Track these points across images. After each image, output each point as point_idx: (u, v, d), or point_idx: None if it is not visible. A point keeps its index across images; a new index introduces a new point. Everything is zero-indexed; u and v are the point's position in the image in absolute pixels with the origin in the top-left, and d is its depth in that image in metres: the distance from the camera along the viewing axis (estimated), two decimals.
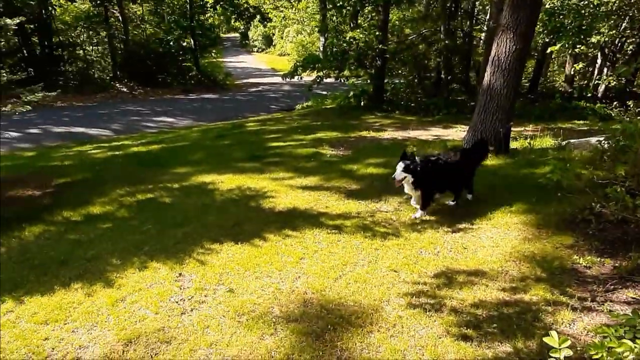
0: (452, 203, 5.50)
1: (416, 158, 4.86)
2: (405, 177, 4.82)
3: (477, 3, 15.64)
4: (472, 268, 3.95)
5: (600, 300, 3.41)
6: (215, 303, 3.55)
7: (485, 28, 14.37)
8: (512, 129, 7.75)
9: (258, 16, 26.83)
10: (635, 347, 1.79)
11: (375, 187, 6.30)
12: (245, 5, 26.09)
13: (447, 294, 3.54)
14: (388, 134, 10.32)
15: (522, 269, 3.91)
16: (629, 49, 13.61)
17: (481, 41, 15.70)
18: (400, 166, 4.80)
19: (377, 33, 13.49)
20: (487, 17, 13.88)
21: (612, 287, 3.57)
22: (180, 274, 4.01)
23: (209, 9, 23.96)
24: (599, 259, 3.98)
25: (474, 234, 4.66)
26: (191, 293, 3.70)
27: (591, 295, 3.47)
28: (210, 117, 14.76)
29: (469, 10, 15.00)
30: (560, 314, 3.25)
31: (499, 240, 4.47)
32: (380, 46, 13.26)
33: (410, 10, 15.63)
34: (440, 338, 3.02)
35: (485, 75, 7.33)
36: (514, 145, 8.05)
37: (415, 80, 14.88)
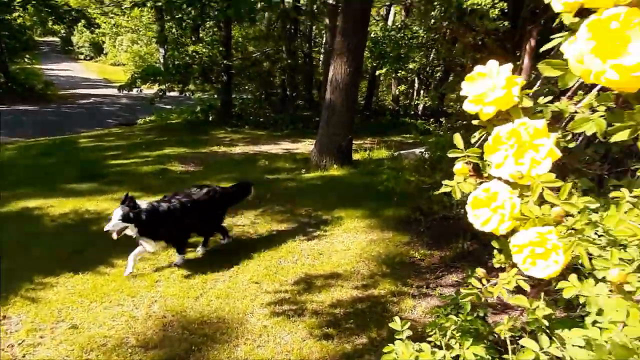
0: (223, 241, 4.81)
1: (138, 203, 3.88)
2: (125, 227, 3.76)
3: (314, 28, 16.92)
4: (329, 271, 4.23)
5: (433, 286, 4.02)
6: (55, 343, 3.04)
7: (322, 50, 15.66)
8: (354, 142, 8.60)
9: (83, 20, 23.83)
10: (458, 320, 2.17)
11: None
12: (66, 7, 22.88)
13: (307, 299, 3.73)
14: (239, 149, 10.32)
15: (371, 268, 4.35)
16: (437, 75, 16.47)
17: (320, 62, 17.02)
18: (117, 214, 3.71)
19: (220, 48, 13.43)
20: (324, 40, 15.16)
21: (441, 274, 4.24)
22: (4, 317, 3.30)
23: (16, 7, 20.31)
24: (429, 252, 4.69)
25: (327, 240, 4.99)
26: (21, 336, 3.09)
27: (426, 283, 4.07)
28: (28, 132, 12.46)
29: (307, 34, 16.15)
30: (403, 302, 3.72)
31: (349, 244, 4.88)
32: (225, 62, 13.23)
33: (253, 28, 16.03)
34: (304, 341, 3.16)
35: (326, 94, 8.00)
36: (355, 156, 8.92)
37: (262, 96, 15.27)
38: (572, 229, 0.58)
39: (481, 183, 0.70)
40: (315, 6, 14.65)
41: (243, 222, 5.49)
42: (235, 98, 15.07)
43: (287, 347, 3.10)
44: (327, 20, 13.99)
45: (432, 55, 15.03)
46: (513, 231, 0.65)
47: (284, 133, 12.98)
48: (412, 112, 16.06)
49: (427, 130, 8.17)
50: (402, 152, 8.74)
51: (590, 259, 0.61)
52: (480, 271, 0.83)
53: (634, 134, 0.47)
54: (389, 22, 16.63)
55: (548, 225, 0.60)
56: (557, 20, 0.57)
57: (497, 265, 0.74)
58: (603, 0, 0.49)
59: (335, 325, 3.38)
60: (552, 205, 0.59)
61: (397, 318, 2.08)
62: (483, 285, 0.81)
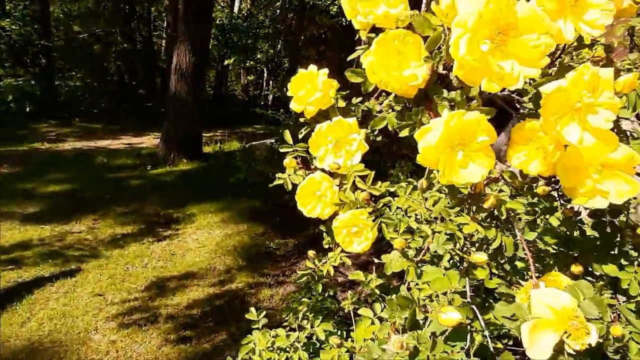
0: None
1: None
2: None
3: (152, 9, 15.64)
4: (183, 272, 4.06)
5: (289, 273, 4.20)
6: None
7: (165, 35, 14.61)
8: (204, 134, 8.31)
9: None
10: (310, 301, 2.34)
11: (61, 207, 5.42)
12: None
13: (161, 304, 3.52)
14: (69, 145, 9.01)
15: (227, 262, 4.32)
16: (285, 66, 16.95)
17: (163, 47, 15.86)
18: None
19: (35, 26, 11.38)
20: (165, 24, 14.16)
21: (295, 260, 4.46)
22: None
23: None
24: (284, 241, 4.87)
25: (180, 239, 4.77)
26: None
27: (282, 271, 4.23)
28: None
29: (145, 16, 14.84)
30: (261, 292, 3.81)
31: (204, 241, 4.75)
32: (43, 42, 11.28)
33: (77, 5, 13.99)
34: (160, 348, 2.99)
35: (171, 83, 7.53)
36: (206, 149, 8.64)
37: (95, 84, 13.51)
38: (376, 209, 0.70)
39: (310, 174, 0.78)
40: None
41: (79, 229, 4.85)
42: (60, 85, 13.00)
43: (140, 358, 2.89)
44: (166, 1, 13.08)
45: (279, 46, 15.37)
46: (335, 215, 0.75)
47: (125, 126, 11.77)
48: (262, 103, 16.24)
49: (278, 121, 8.38)
50: (253, 143, 8.81)
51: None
52: (311, 253, 0.92)
53: (412, 131, 0.59)
54: (235, 10, 16.41)
55: (361, 207, 0.71)
56: (357, 36, 0.68)
57: (326, 246, 0.84)
58: (388, 22, 0.60)
59: (193, 326, 3.28)
60: (362, 190, 0.70)
61: (252, 309, 2.14)
62: (315, 265, 0.90)
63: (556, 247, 0.73)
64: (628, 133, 0.76)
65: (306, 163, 0.83)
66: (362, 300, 1.80)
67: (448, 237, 0.62)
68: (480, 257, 0.59)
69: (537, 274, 0.68)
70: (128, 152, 8.53)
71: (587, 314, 0.49)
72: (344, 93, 0.77)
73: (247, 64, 14.16)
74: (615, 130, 0.71)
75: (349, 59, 0.67)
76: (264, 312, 1.92)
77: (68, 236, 4.63)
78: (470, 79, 0.49)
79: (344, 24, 8.37)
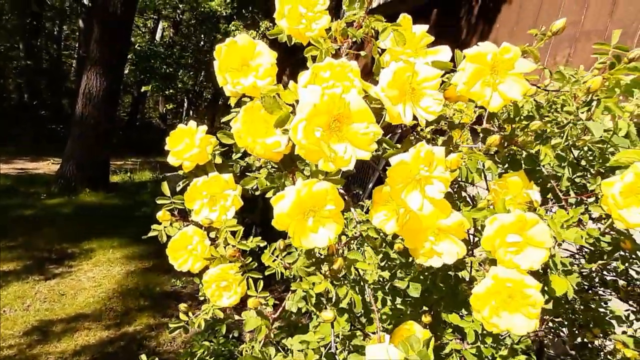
0: None
1: None
2: None
3: (64, 27, 14.69)
4: (72, 314, 3.67)
5: (195, 312, 4.00)
6: None
7: (76, 55, 13.72)
8: (113, 162, 7.78)
9: None
10: (211, 345, 2.25)
11: None
12: None
13: (42, 351, 3.14)
14: None
15: (127, 303, 3.99)
16: (207, 96, 16.73)
17: (73, 67, 14.84)
18: None
19: None
20: (77, 44, 13.35)
21: (203, 300, 4.27)
22: None
23: None
24: (191, 278, 4.64)
25: (73, 277, 4.33)
26: None
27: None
28: None
29: (56, 33, 13.87)
30: (163, 335, 3.56)
31: (101, 279, 4.36)
32: None
33: None
34: None
35: (77, 106, 7.02)
36: (114, 179, 8.09)
37: None
38: (245, 264, 0.72)
39: (183, 228, 0.79)
40: (67, 4, 12.79)
41: None
42: None
43: None
44: (81, 23, 12.39)
45: (201, 76, 15.20)
46: (207, 269, 0.76)
47: (21, 149, 10.63)
48: None
49: None
50: (167, 174, 8.44)
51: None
52: (182, 306, 0.92)
53: (275, 193, 0.64)
54: (157, 37, 16.01)
55: (231, 262, 0.73)
56: (230, 101, 0.72)
57: (202, 298, 0.84)
58: (255, 92, 0.65)
59: None
60: (234, 245, 0.72)
61: (143, 356, 2.00)
62: (189, 317, 0.89)
63: (411, 299, 0.81)
64: (475, 194, 0.88)
65: (184, 215, 0.83)
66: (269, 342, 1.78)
67: (304, 295, 0.66)
68: (326, 315, 0.64)
69: (391, 324, 0.74)
70: (22, 178, 7.67)
71: None
72: (221, 150, 0.80)
73: (167, 92, 13.74)
74: (456, 197, 0.82)
75: (222, 120, 0.71)
76: (163, 357, 1.79)
77: None
78: (309, 158, 0.55)
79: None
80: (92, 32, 7.04)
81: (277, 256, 0.74)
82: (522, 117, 0.78)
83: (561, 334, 1.75)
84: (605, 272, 1.58)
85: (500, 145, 0.74)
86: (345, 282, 0.68)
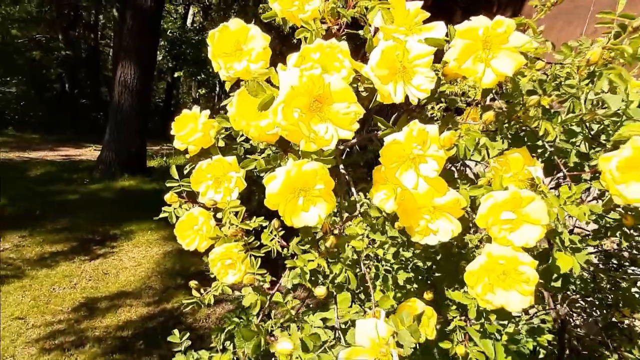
0: None
1: None
2: None
3: (101, 17, 15.14)
4: (115, 292, 3.90)
5: (208, 290, 4.17)
6: None
7: (112, 44, 14.15)
8: (149, 147, 8.08)
9: None
10: (241, 321, 2.35)
11: None
12: None
13: (89, 326, 3.37)
14: (0, 155, 8.43)
15: (165, 281, 4.20)
16: None
17: (110, 56, 15.33)
18: None
19: None
20: (113, 33, 13.74)
21: (213, 277, 4.43)
22: None
23: None
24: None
25: (115, 257, 4.59)
26: None
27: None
28: None
29: (92, 23, 14.33)
30: (198, 312, 3.73)
31: (141, 259, 4.60)
32: None
33: (17, 7, 13.26)
34: None
35: (114, 94, 7.29)
36: (151, 163, 8.40)
37: (33, 92, 12.76)
38: (248, 243, 0.75)
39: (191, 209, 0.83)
40: None
41: (3, 246, 4.53)
42: None
43: None
44: (115, 12, 12.72)
45: None
46: (212, 248, 0.80)
47: (65, 137, 11.20)
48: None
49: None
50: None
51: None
52: (192, 283, 0.96)
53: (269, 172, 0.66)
54: (188, 23, 16.21)
55: (236, 242, 0.77)
56: (225, 85, 0.74)
57: (212, 276, 0.88)
58: (249, 76, 0.66)
59: (123, 349, 3.15)
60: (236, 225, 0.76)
61: (175, 331, 2.12)
62: (201, 294, 0.94)
63: (414, 277, 0.82)
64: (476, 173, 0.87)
65: (192, 197, 0.87)
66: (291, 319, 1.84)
67: (299, 272, 0.68)
68: (319, 291, 0.66)
69: (396, 302, 0.76)
70: (65, 165, 8.11)
71: (401, 341, 0.57)
72: (226, 133, 0.83)
73: (199, 77, 13.98)
74: (457, 175, 0.81)
75: (221, 105, 0.73)
76: (188, 334, 1.91)
77: None
78: (292, 139, 0.56)
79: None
80: (125, 21, 7.23)
81: (274, 235, 0.76)
82: (523, 92, 0.76)
83: (593, 314, 1.71)
84: (636, 251, 1.52)
85: (499, 122, 0.72)
86: (342, 259, 0.70)
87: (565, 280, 0.82)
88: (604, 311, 1.59)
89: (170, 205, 0.88)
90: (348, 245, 0.70)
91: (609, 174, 0.59)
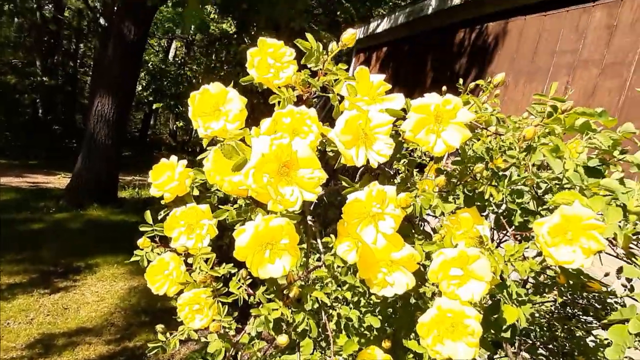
0: None
1: None
2: None
3: (81, 45, 15.17)
4: (74, 328, 3.73)
5: (174, 334, 4.04)
6: None
7: (92, 73, 14.10)
8: (122, 177, 7.94)
9: None
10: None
11: None
12: None
13: None
14: None
15: (128, 318, 4.05)
16: None
17: (88, 84, 15.25)
18: None
19: None
20: (93, 62, 13.73)
21: (180, 320, 4.31)
22: None
23: None
24: None
25: (77, 291, 4.41)
26: None
27: None
28: None
29: (72, 51, 14.33)
30: (162, 351, 3.60)
31: (104, 294, 4.43)
32: None
33: None
34: None
35: (90, 123, 7.22)
36: (122, 194, 8.24)
37: (2, 117, 12.46)
38: (216, 289, 0.79)
39: (162, 254, 0.86)
40: (85, 23, 13.22)
41: None
42: None
43: None
44: (97, 43, 12.77)
45: None
46: (181, 293, 0.82)
47: (34, 163, 10.88)
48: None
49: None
50: None
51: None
52: (158, 327, 0.97)
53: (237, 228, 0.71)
54: (170, 56, 16.42)
55: (205, 287, 0.80)
56: (203, 142, 0.80)
57: (179, 319, 0.90)
58: (224, 135, 0.73)
59: None
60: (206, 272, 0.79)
61: (151, 345, 2.06)
62: (166, 338, 0.95)
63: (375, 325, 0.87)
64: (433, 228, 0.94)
65: (165, 241, 0.90)
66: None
67: (264, 321, 0.72)
68: (281, 339, 0.69)
69: (358, 348, 0.80)
70: (32, 192, 7.85)
71: None
72: (201, 181, 0.87)
73: (177, 110, 14.03)
74: (414, 231, 0.88)
75: (199, 157, 0.78)
76: (176, 344, 1.84)
77: None
78: (260, 199, 0.62)
79: None
80: (107, 51, 7.28)
81: (242, 283, 0.80)
82: (472, 158, 0.85)
83: None
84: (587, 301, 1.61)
85: (452, 183, 0.80)
86: (306, 308, 0.74)
87: (514, 331, 0.88)
88: (560, 359, 1.65)
89: (142, 249, 0.91)
90: (310, 296, 0.74)
91: (541, 237, 0.67)
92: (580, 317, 1.70)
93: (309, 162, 0.62)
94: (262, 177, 0.59)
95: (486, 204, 0.86)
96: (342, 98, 0.79)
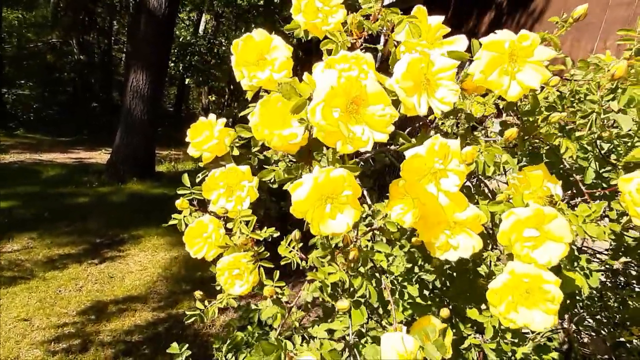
0: None
1: None
2: None
3: (115, 22, 15.37)
4: (121, 296, 3.90)
5: (213, 302, 4.15)
6: None
7: (125, 50, 14.33)
8: (158, 152, 8.13)
9: None
10: (245, 332, 2.33)
11: None
12: None
13: (94, 329, 3.37)
14: (12, 157, 8.53)
15: (171, 287, 4.20)
16: None
17: (122, 61, 15.54)
18: None
19: None
20: (126, 39, 13.91)
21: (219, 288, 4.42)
22: None
23: None
24: None
25: (121, 261, 4.60)
26: None
27: None
28: None
29: (106, 28, 14.55)
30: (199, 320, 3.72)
31: (147, 264, 4.60)
32: None
33: (33, 12, 13.52)
34: None
35: (125, 100, 7.37)
36: (160, 168, 8.45)
37: (45, 94, 12.94)
38: (258, 253, 0.75)
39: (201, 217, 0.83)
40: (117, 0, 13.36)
41: (12, 248, 4.57)
42: (7, 94, 12.37)
43: None
44: (130, 19, 12.91)
45: None
46: (220, 257, 0.79)
47: (76, 139, 11.31)
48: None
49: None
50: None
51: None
52: (197, 294, 0.95)
53: (291, 184, 0.65)
54: (200, 30, 16.38)
55: (245, 252, 0.76)
56: (247, 95, 0.74)
57: (218, 287, 0.87)
58: (272, 85, 0.66)
59: (128, 353, 3.14)
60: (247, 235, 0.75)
61: (174, 344, 2.10)
62: (205, 306, 0.93)
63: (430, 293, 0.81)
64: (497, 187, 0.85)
65: (203, 205, 0.87)
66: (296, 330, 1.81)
67: (320, 285, 0.67)
68: (342, 304, 0.65)
69: (410, 317, 0.74)
70: (76, 167, 8.19)
71: (428, 355, 0.56)
72: (241, 142, 0.82)
73: (209, 84, 14.09)
74: (474, 191, 0.80)
75: (240, 115, 0.73)
76: (186, 345, 1.89)
77: (1, 256, 4.36)
78: (328, 141, 0.56)
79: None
80: (139, 27, 7.33)
81: (293, 247, 0.76)
82: (542, 109, 0.75)
83: (602, 332, 1.67)
84: None
85: (519, 138, 0.71)
86: (363, 272, 0.69)
87: (573, 300, 0.80)
88: (611, 330, 1.55)
89: (180, 213, 0.88)
90: (369, 259, 0.69)
91: (628, 195, 0.58)
92: (635, 286, 1.59)
93: (379, 98, 0.55)
94: (331, 112, 0.53)
95: (557, 161, 0.76)
96: (398, 44, 0.70)
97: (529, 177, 0.77)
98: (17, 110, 12.35)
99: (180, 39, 13.70)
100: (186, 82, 14.11)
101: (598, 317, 1.61)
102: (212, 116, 0.81)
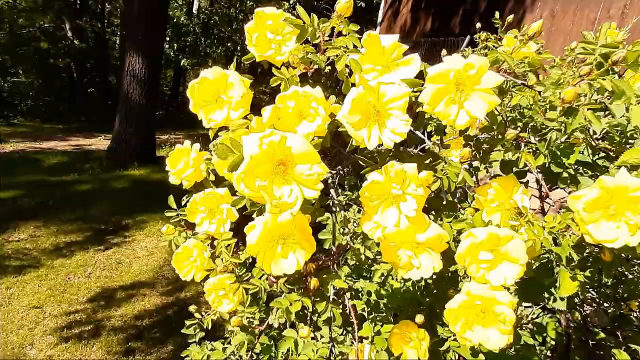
0: None
1: None
2: None
3: (107, 5, 15.04)
4: (130, 282, 4.02)
5: (208, 313, 4.26)
6: None
7: (120, 33, 14.09)
8: (158, 137, 8.14)
9: None
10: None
11: None
12: None
13: (105, 315, 3.50)
14: (12, 146, 8.58)
15: None
16: (245, 68, 16.77)
17: (117, 45, 15.30)
18: None
19: None
20: (120, 21, 13.67)
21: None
22: None
23: None
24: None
25: (128, 247, 4.71)
26: None
27: None
28: None
29: (98, 11, 14.25)
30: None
31: (153, 249, 4.71)
32: None
33: None
34: None
35: (123, 85, 7.32)
36: (160, 153, 8.48)
37: (40, 81, 12.83)
38: (239, 276, 0.78)
39: (186, 241, 0.87)
40: None
41: (19, 237, 4.68)
42: (3, 82, 12.31)
43: None
44: (121, 1, 12.62)
45: (239, 48, 15.13)
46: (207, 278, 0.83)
47: (75, 127, 11.32)
48: None
49: None
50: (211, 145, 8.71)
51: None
52: (192, 308, 1.01)
53: (259, 213, 0.68)
54: (194, 9, 16.00)
55: (228, 273, 0.80)
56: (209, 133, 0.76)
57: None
58: (229, 124, 0.68)
59: (139, 338, 3.27)
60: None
61: (188, 322, 2.19)
62: (202, 315, 0.98)
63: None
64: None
65: (191, 225, 0.90)
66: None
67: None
68: (303, 332, 0.69)
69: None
70: (77, 155, 8.25)
71: None
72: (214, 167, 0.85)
73: (205, 66, 13.82)
74: (445, 204, 0.82)
75: (208, 148, 0.75)
76: (198, 329, 1.96)
77: (6, 245, 4.47)
78: (260, 202, 0.58)
79: None
80: (132, 11, 7.18)
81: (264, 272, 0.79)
82: (507, 122, 0.76)
83: (606, 304, 1.71)
84: None
85: (484, 152, 0.72)
86: (327, 297, 0.72)
87: (570, 302, 0.83)
88: (612, 303, 1.59)
89: (182, 206, 0.92)
90: (330, 285, 0.72)
91: (577, 214, 0.60)
92: (635, 261, 1.62)
93: (307, 158, 0.56)
94: (254, 182, 0.54)
95: (526, 169, 0.78)
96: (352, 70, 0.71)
97: (495, 189, 0.78)
98: (14, 98, 12.31)
99: (174, 20, 13.41)
100: (181, 64, 13.88)
101: (601, 290, 1.65)
102: (187, 142, 0.84)
